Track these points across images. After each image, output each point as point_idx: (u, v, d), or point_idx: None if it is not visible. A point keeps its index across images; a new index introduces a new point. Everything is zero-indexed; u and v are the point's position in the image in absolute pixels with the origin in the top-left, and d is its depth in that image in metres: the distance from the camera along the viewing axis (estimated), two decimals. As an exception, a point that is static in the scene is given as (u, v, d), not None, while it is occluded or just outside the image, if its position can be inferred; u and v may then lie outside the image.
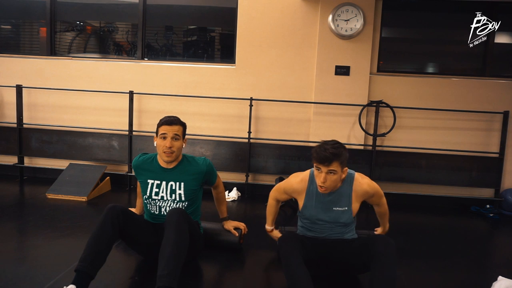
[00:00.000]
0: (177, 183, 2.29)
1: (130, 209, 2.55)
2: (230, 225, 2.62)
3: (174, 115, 2.33)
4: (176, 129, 2.24)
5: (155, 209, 2.33)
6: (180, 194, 2.29)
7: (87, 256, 1.89)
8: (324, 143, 2.01)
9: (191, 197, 2.33)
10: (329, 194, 2.11)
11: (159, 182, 2.30)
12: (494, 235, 3.54)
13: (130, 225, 2.11)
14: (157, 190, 2.30)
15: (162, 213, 2.32)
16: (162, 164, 2.31)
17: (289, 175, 2.31)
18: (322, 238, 2.19)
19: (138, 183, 2.46)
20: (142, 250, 2.33)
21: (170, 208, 2.29)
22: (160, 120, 2.30)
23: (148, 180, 2.31)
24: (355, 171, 2.17)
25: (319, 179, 2.00)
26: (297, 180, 2.20)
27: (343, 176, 2.05)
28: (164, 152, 2.22)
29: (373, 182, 2.18)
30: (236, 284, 2.26)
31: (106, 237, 1.96)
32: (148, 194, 2.31)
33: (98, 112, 4.40)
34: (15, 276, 2.14)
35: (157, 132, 2.27)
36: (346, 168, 2.05)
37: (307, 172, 2.20)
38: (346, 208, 2.11)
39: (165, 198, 2.30)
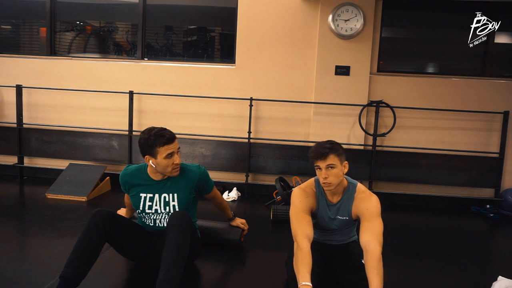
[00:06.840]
0: (170, 195, 2.20)
1: (119, 211, 2.55)
2: (237, 222, 2.66)
3: (163, 128, 2.12)
4: (177, 143, 2.14)
5: (149, 221, 2.25)
6: (174, 206, 2.20)
7: (72, 262, 1.84)
8: (318, 143, 2.03)
9: (187, 207, 2.25)
10: (335, 204, 2.09)
11: (151, 195, 2.20)
12: (494, 235, 3.54)
13: (118, 230, 2.05)
14: (150, 203, 2.20)
15: (157, 225, 2.25)
16: (153, 176, 2.20)
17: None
18: (330, 244, 2.21)
19: (126, 195, 2.36)
20: (131, 256, 2.25)
21: (165, 220, 2.22)
22: (154, 140, 2.05)
23: (141, 194, 2.21)
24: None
25: (321, 176, 1.97)
26: (304, 190, 2.10)
27: (346, 170, 2.02)
28: (174, 169, 2.13)
29: (376, 202, 2.01)
30: (237, 284, 2.26)
31: (91, 243, 1.91)
32: (141, 208, 2.21)
33: (98, 112, 4.40)
34: (15, 276, 2.14)
35: (153, 153, 2.07)
36: (347, 162, 2.03)
37: (310, 180, 2.15)
38: (347, 218, 2.11)
39: (159, 211, 2.21)
